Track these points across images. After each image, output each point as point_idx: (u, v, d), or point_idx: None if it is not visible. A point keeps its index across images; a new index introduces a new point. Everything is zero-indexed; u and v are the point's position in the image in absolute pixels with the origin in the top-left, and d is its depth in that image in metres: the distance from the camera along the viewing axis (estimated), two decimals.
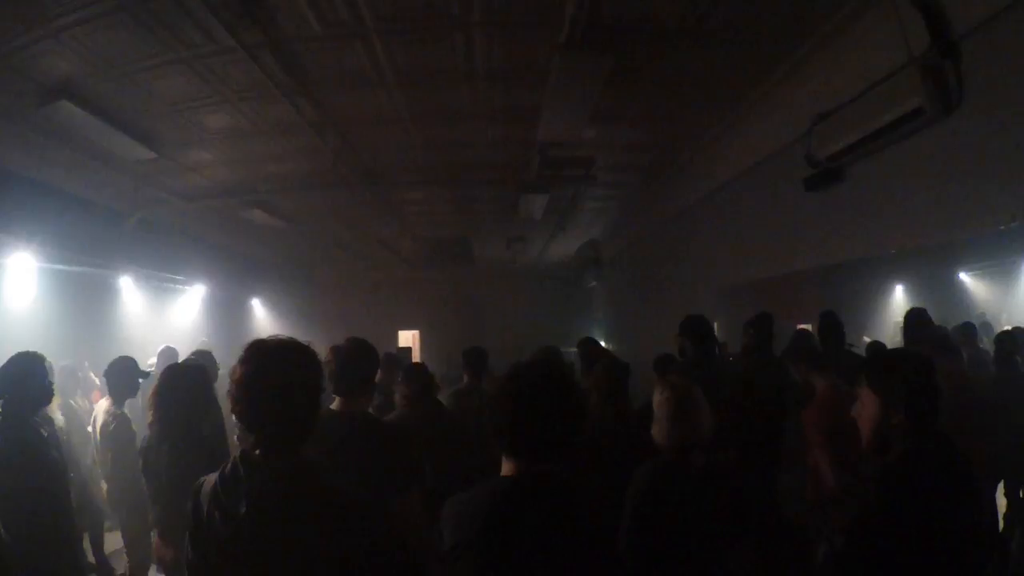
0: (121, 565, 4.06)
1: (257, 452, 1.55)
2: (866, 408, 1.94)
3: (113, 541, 4.37)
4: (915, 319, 4.11)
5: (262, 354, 1.58)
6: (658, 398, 2.53)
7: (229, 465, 1.56)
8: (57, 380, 4.31)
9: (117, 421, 3.88)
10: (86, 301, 6.19)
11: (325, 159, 5.58)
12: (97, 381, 5.46)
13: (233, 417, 1.64)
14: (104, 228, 6.34)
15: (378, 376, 4.89)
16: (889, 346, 4.47)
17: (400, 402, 3.60)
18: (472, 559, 1.54)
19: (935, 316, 4.80)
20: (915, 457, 1.82)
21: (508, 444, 1.62)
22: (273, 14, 3.28)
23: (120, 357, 4.13)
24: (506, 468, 1.65)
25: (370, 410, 4.22)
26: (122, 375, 3.95)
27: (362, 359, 2.70)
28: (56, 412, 4.23)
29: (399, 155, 5.87)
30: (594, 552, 1.59)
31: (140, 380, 4.00)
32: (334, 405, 2.69)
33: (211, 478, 1.58)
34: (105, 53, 3.50)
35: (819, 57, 3.61)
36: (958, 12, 2.61)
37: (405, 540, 2.46)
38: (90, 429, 4.37)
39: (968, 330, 4.90)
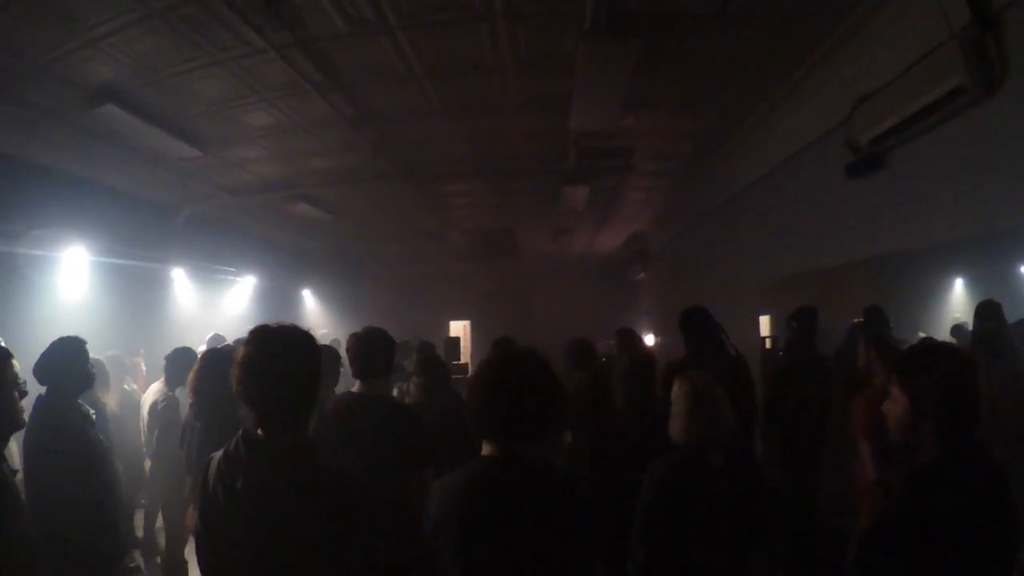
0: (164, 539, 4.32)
1: (259, 432, 1.63)
2: (896, 407, 1.81)
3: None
4: (987, 313, 3.77)
5: (263, 338, 1.68)
6: (676, 392, 2.49)
7: (233, 442, 1.64)
8: (108, 368, 4.63)
9: (167, 401, 4.19)
10: (141, 293, 6.51)
11: (365, 153, 5.70)
12: (143, 369, 5.80)
13: None
14: (156, 223, 6.64)
15: (411, 365, 5.03)
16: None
17: (415, 392, 3.67)
18: (452, 534, 1.65)
19: None
20: (943, 469, 1.67)
21: (482, 426, 1.73)
22: (299, 14, 3.34)
23: (182, 348, 4.44)
24: (485, 450, 1.74)
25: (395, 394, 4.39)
26: (180, 363, 4.22)
27: (377, 345, 2.84)
28: (110, 397, 4.54)
29: (437, 148, 5.91)
30: (563, 530, 1.66)
31: None
32: (355, 388, 2.83)
33: (218, 454, 1.67)
34: (144, 58, 3.65)
35: (857, 36, 3.42)
36: None
37: (418, 515, 2.54)
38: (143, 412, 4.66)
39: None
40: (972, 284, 5.41)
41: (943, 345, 1.96)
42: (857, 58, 3.50)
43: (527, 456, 1.70)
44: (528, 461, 1.69)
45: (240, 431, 1.66)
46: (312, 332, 1.77)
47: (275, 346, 1.67)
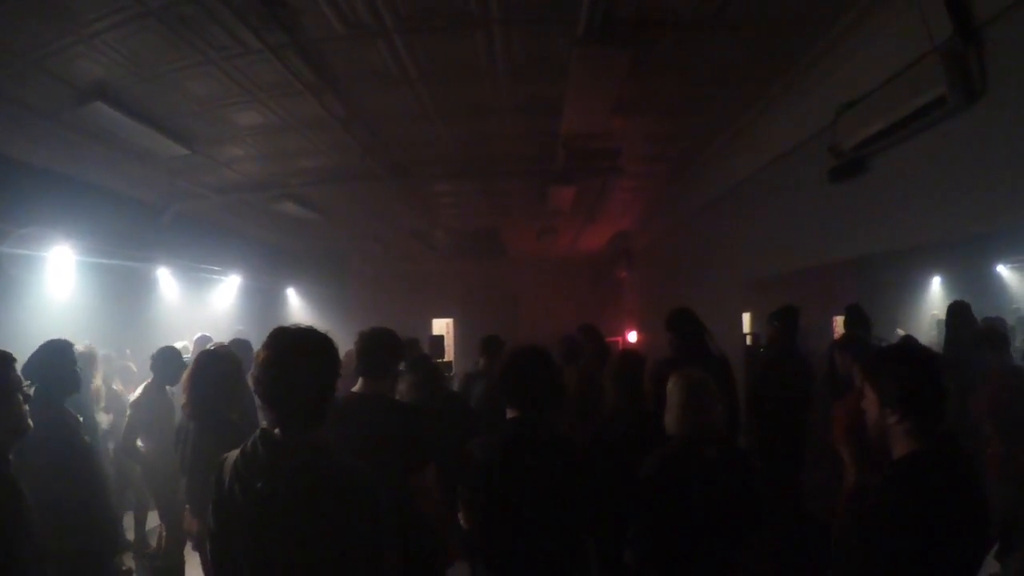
0: (156, 539, 4.30)
1: (276, 431, 1.67)
2: (868, 405, 1.93)
3: (153, 517, 4.61)
4: (957, 314, 3.95)
5: (282, 340, 1.72)
6: (671, 387, 2.60)
7: (250, 442, 1.68)
8: (100, 367, 4.60)
9: (153, 400, 4.17)
10: (126, 292, 6.41)
11: (354, 154, 5.70)
12: (135, 369, 5.73)
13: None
14: (141, 222, 6.54)
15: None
16: (925, 341, 4.34)
17: (406, 391, 3.67)
18: (494, 476, 2.28)
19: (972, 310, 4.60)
20: (916, 461, 1.77)
21: (511, 399, 2.42)
22: (296, 16, 3.36)
23: (167, 347, 4.41)
24: (510, 415, 2.41)
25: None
26: (166, 363, 4.21)
27: (382, 345, 2.85)
28: (100, 397, 4.51)
29: (427, 149, 5.94)
30: (573, 473, 2.32)
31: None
32: (356, 387, 2.83)
33: (234, 454, 1.70)
34: (136, 56, 3.63)
35: (842, 45, 3.52)
36: None
37: (421, 509, 2.63)
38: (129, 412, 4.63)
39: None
40: (949, 284, 5.60)
41: (908, 344, 2.11)
42: (842, 67, 3.61)
43: (544, 419, 2.39)
44: (545, 423, 2.40)
45: (258, 431, 1.69)
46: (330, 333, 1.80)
47: (293, 348, 1.71)
